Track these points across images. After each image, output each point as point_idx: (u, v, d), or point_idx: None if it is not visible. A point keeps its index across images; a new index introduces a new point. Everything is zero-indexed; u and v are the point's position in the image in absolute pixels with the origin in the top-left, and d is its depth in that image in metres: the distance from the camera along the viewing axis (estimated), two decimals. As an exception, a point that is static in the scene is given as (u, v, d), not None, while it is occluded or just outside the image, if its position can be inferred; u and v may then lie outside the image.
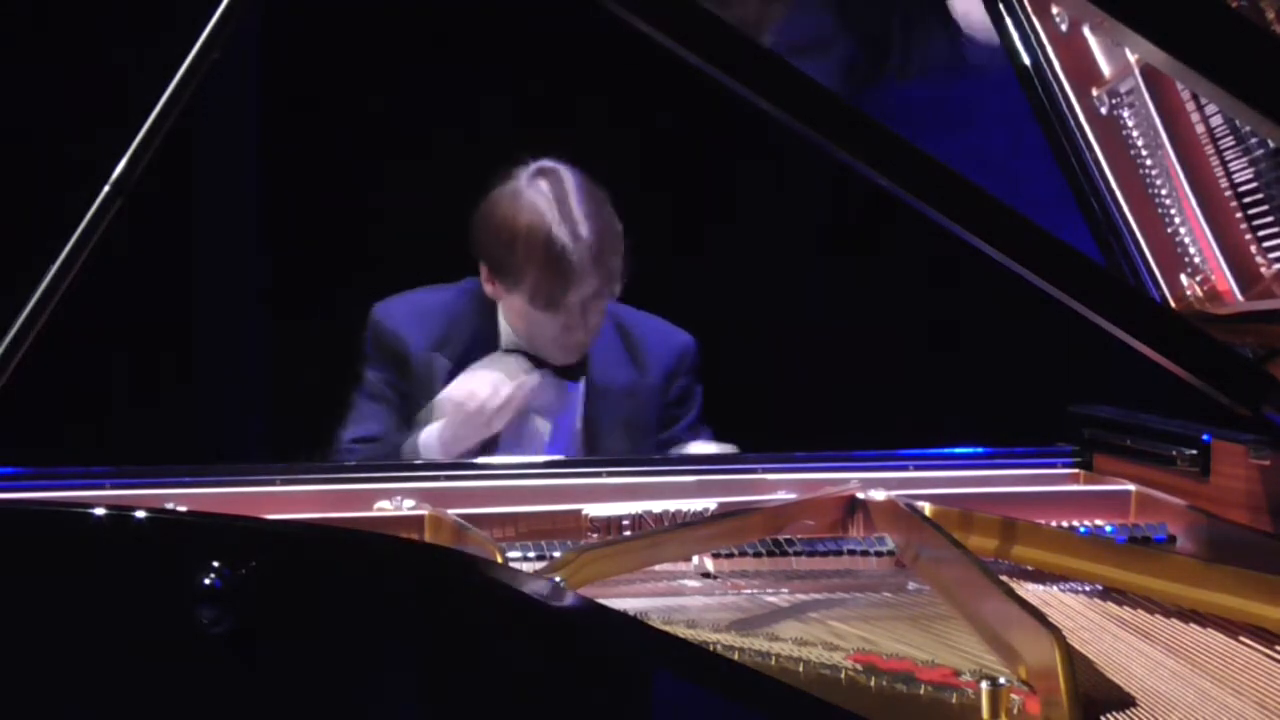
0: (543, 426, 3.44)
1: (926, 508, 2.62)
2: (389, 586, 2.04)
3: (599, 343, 3.50)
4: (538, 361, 3.44)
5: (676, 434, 3.58)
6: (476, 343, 3.46)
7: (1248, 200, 2.60)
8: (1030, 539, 2.56)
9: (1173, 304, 2.73)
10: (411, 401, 3.48)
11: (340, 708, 2.01)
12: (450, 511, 2.64)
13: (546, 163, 3.44)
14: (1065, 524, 2.73)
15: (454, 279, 3.89)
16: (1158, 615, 2.34)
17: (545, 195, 3.37)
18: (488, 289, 3.45)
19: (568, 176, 3.41)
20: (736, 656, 2.13)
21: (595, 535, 2.71)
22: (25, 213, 4.09)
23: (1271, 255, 2.60)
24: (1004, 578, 2.34)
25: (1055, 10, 2.76)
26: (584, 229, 3.33)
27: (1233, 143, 2.59)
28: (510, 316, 3.45)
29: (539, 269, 3.33)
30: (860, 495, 2.75)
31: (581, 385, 3.49)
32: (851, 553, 2.63)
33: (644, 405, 3.52)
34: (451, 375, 3.44)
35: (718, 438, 3.59)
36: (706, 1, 2.08)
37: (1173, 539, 2.67)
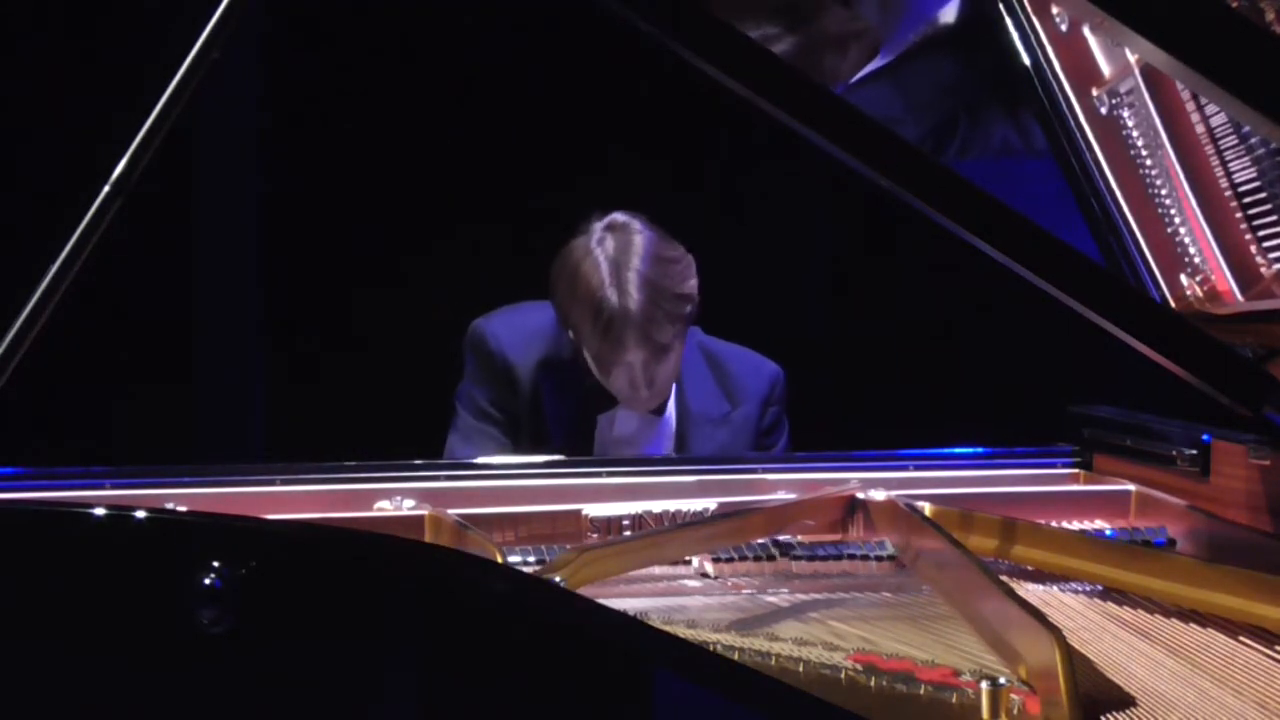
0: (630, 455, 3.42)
1: (926, 508, 2.62)
2: (389, 586, 2.04)
3: (690, 373, 3.46)
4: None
5: None
6: (575, 368, 3.41)
7: (1248, 200, 2.60)
8: (1030, 539, 2.56)
9: (1173, 304, 2.73)
10: (520, 420, 3.45)
11: (340, 708, 2.02)
12: (450, 511, 2.64)
13: (619, 216, 3.36)
14: (1065, 524, 2.73)
15: (456, 276, 3.89)
16: (1158, 615, 2.34)
17: (607, 255, 3.30)
18: (569, 334, 3.41)
19: (637, 236, 3.34)
20: (736, 656, 2.13)
21: (595, 535, 2.71)
22: (25, 213, 4.09)
23: (1271, 255, 2.60)
24: (1004, 578, 2.34)
25: (1055, 10, 2.76)
26: (634, 300, 3.26)
27: (1233, 142, 2.59)
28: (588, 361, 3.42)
29: (590, 332, 3.30)
30: (860, 495, 2.75)
31: (672, 417, 3.46)
32: (851, 557, 2.62)
33: (738, 435, 3.47)
34: (552, 399, 3.42)
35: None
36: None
37: (1172, 543, 2.67)
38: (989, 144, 3.57)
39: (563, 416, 3.44)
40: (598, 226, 3.36)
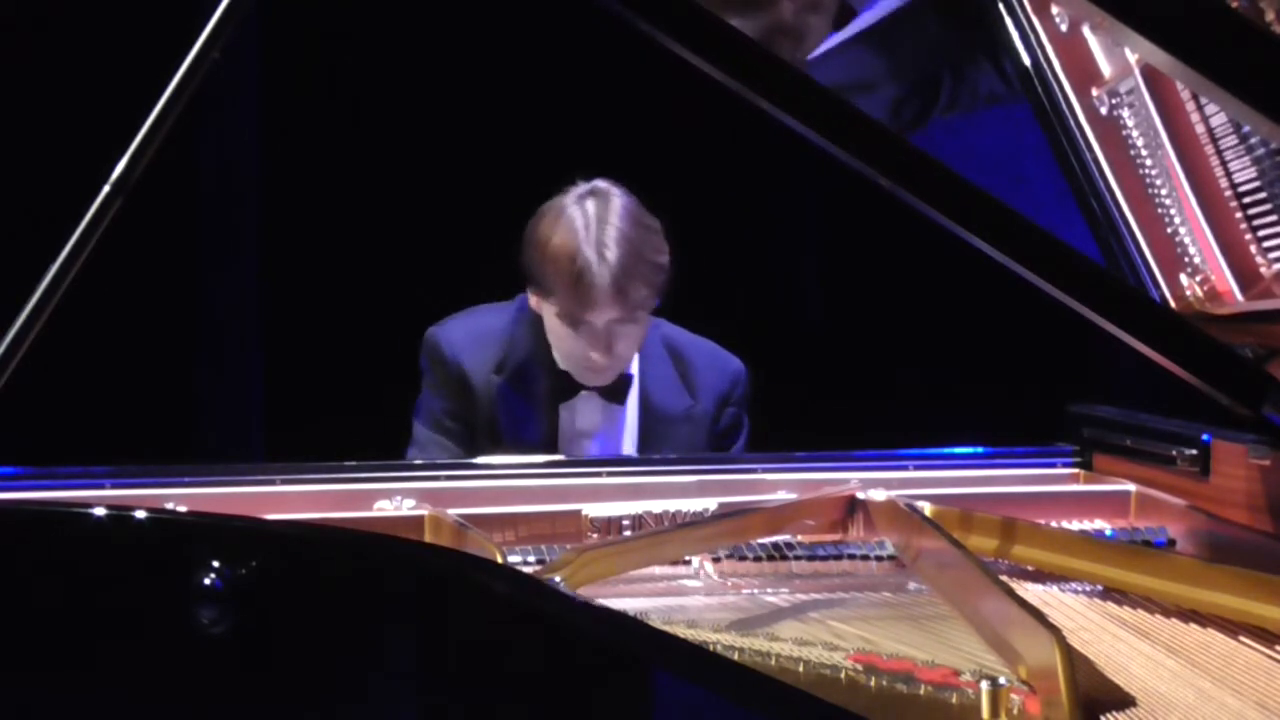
0: (591, 449, 3.41)
1: (926, 508, 2.62)
2: (389, 586, 2.05)
3: (651, 365, 3.44)
4: (582, 384, 3.40)
5: None
6: (533, 362, 3.41)
7: (1248, 200, 2.60)
8: (1030, 539, 2.56)
9: (1173, 304, 2.73)
10: (475, 428, 3.43)
11: (340, 708, 2.02)
12: (450, 511, 2.64)
13: (600, 183, 3.36)
14: (1065, 524, 2.73)
15: (456, 277, 3.89)
16: (1158, 615, 2.34)
17: (586, 214, 3.29)
18: (531, 300, 3.40)
19: (616, 199, 3.33)
20: (736, 656, 2.13)
21: (595, 535, 2.71)
22: (25, 213, 4.09)
23: (1271, 255, 2.60)
24: (1004, 578, 2.34)
25: (1055, 10, 2.76)
26: (611, 253, 3.25)
27: (1233, 142, 2.59)
28: (548, 330, 3.40)
29: (562, 285, 3.28)
30: (860, 495, 2.75)
31: (635, 409, 3.44)
32: (851, 557, 2.62)
33: (698, 432, 3.45)
34: (510, 396, 3.41)
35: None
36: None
37: (1172, 543, 2.67)
38: (976, 96, 3.51)
39: (519, 420, 3.41)
40: (577, 190, 3.36)
